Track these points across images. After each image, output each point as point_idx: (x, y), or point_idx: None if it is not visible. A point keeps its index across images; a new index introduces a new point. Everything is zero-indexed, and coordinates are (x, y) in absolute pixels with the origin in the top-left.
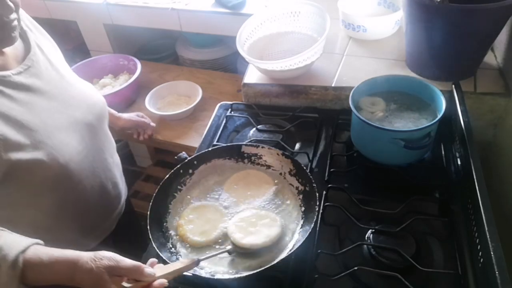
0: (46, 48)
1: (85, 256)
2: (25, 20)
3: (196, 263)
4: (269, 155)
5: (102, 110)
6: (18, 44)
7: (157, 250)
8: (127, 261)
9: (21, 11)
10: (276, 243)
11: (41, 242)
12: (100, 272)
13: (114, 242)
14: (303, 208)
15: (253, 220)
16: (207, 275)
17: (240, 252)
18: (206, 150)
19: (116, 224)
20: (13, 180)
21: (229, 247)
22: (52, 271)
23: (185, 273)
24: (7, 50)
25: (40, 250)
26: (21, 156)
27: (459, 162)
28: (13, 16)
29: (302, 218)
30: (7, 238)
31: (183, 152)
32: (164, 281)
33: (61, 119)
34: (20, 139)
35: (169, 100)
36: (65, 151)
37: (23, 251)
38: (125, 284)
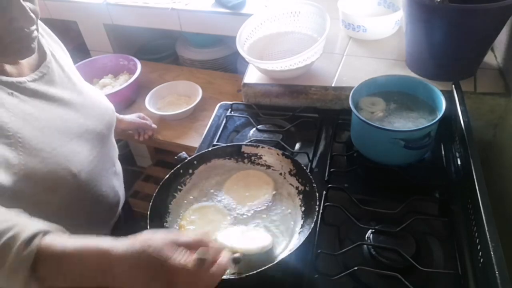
0: (58, 55)
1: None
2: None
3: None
4: (269, 155)
5: (111, 119)
6: None
7: None
8: (185, 237)
9: None
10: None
11: (64, 230)
12: (154, 251)
13: None
14: (303, 208)
15: (241, 234)
16: None
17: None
18: (206, 150)
19: (110, 231)
20: (25, 191)
21: (237, 254)
22: (74, 264)
23: None
24: None
25: (60, 239)
26: (34, 164)
27: (459, 162)
28: (34, 27)
29: (302, 218)
30: (23, 219)
31: (183, 152)
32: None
33: (74, 128)
34: (36, 146)
35: (169, 100)
36: (76, 161)
37: (43, 233)
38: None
